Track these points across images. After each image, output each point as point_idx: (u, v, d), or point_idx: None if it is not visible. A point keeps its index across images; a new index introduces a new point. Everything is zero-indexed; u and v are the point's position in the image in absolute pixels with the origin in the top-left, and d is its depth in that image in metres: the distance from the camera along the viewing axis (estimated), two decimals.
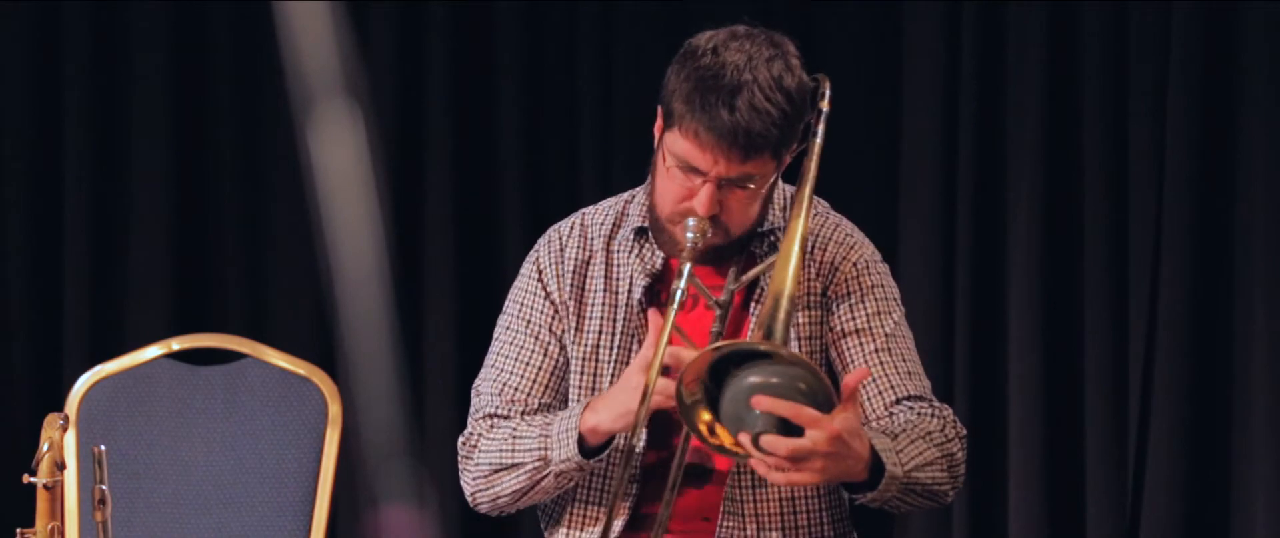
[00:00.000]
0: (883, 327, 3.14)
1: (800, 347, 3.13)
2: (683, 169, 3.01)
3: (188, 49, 4.85)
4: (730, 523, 3.13)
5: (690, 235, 3.00)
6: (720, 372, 2.85)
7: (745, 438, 2.82)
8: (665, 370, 2.97)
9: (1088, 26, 4.48)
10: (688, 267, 3.00)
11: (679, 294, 2.99)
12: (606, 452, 3.09)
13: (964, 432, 3.11)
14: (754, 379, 2.82)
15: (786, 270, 2.94)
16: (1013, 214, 4.53)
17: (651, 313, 3.03)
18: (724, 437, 2.87)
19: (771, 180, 3.07)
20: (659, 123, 3.06)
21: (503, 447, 3.13)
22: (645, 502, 3.14)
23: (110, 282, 4.87)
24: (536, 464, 3.10)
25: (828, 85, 3.08)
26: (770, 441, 2.79)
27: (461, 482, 3.21)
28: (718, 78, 2.96)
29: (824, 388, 2.82)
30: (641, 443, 3.06)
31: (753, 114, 2.95)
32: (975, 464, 4.56)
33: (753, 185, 3.02)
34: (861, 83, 4.63)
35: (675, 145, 3.00)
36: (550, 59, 4.81)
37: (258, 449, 3.68)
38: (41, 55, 4.84)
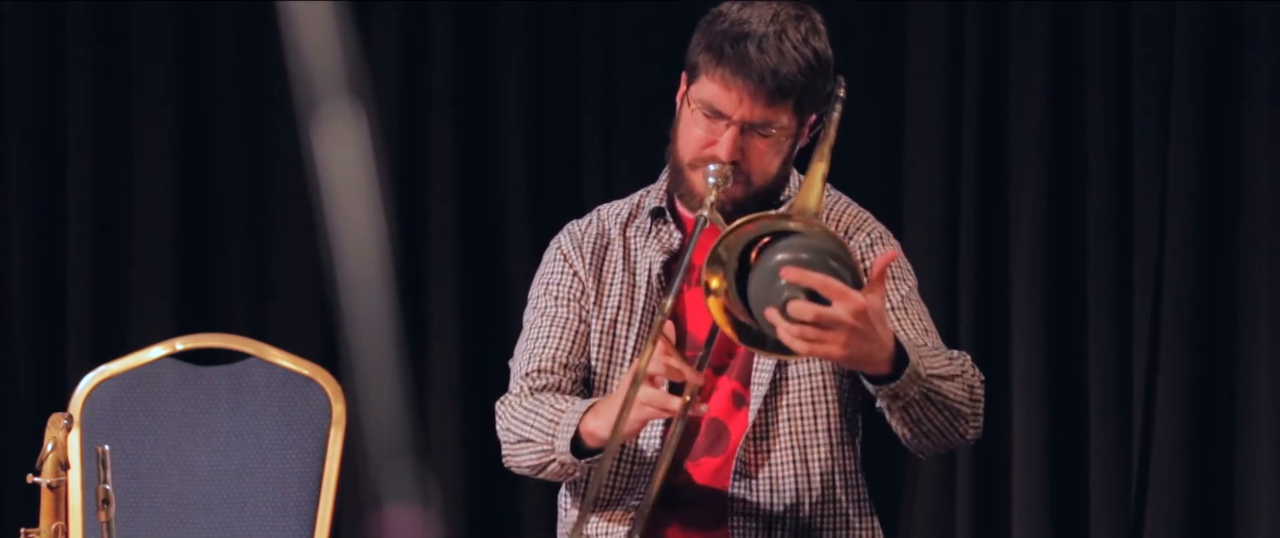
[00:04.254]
0: (898, 290, 3.16)
1: None
2: (708, 114, 3.06)
3: (191, 48, 4.85)
4: (742, 492, 3.15)
5: (712, 180, 3.05)
6: (746, 265, 2.86)
7: (773, 312, 2.81)
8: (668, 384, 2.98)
9: (1091, 25, 4.47)
10: (711, 198, 3.04)
11: (701, 223, 3.01)
12: (601, 455, 3.10)
13: (982, 377, 3.10)
14: (783, 255, 2.82)
15: (810, 192, 2.96)
16: (1016, 215, 4.53)
17: (665, 339, 3.00)
18: (720, 317, 2.86)
19: (792, 138, 3.11)
20: (682, 88, 3.12)
21: (525, 419, 3.16)
22: (669, 472, 3.15)
23: (114, 281, 4.87)
24: (546, 447, 3.13)
25: (842, 79, 3.13)
26: (798, 307, 2.79)
27: (500, 438, 3.24)
28: (746, 26, 3.04)
29: (852, 262, 2.82)
30: (612, 458, 3.04)
31: (780, 57, 3.02)
32: (979, 463, 4.57)
33: (774, 133, 3.06)
34: (864, 83, 4.62)
35: (701, 92, 3.06)
36: (554, 58, 4.81)
37: (261, 449, 3.68)
38: (45, 55, 4.84)
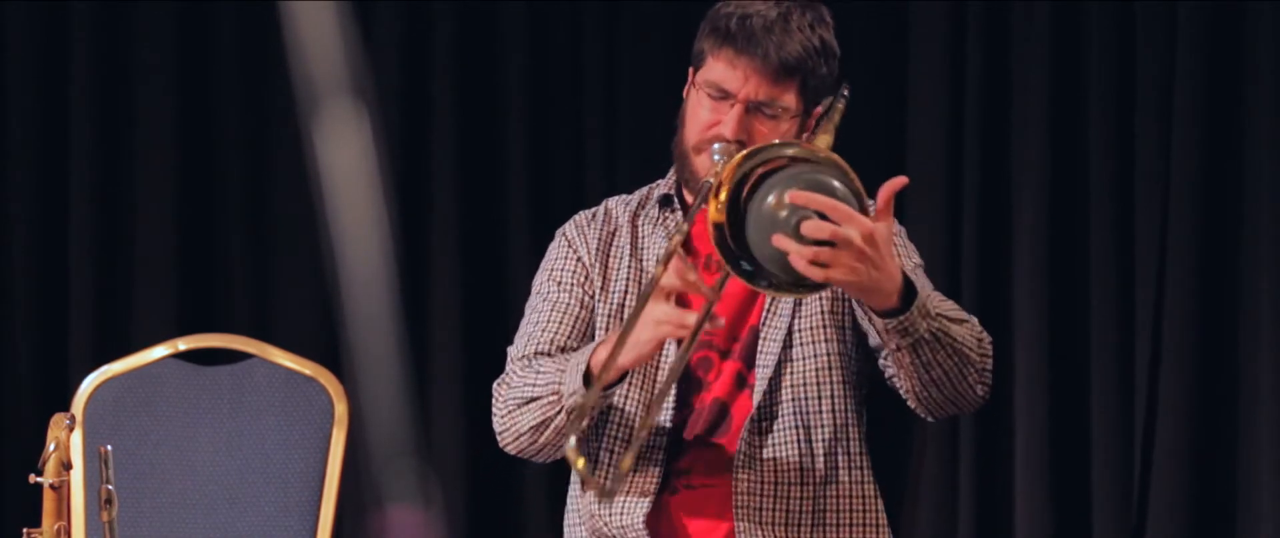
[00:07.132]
0: (903, 266, 3.16)
1: (824, 303, 3.18)
2: (714, 96, 3.12)
3: (194, 48, 4.85)
4: (746, 475, 3.15)
5: (717, 158, 3.07)
6: (745, 198, 2.87)
7: (783, 238, 2.82)
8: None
9: (1093, 25, 4.47)
10: (717, 162, 3.03)
11: (705, 191, 2.98)
12: (614, 389, 3.10)
13: (991, 339, 3.12)
14: (790, 185, 2.84)
15: (820, 138, 3.05)
16: (1018, 215, 4.53)
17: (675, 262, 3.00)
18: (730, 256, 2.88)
19: (796, 122, 3.14)
20: (689, 83, 3.17)
21: (526, 380, 3.16)
22: (674, 457, 3.17)
23: (116, 282, 4.87)
24: (551, 398, 3.13)
25: (848, 84, 3.19)
26: (813, 226, 2.81)
27: (493, 423, 3.23)
28: (751, 10, 3.11)
29: (856, 187, 2.86)
30: (668, 400, 3.04)
31: (785, 36, 3.09)
32: (981, 461, 4.57)
33: (779, 113, 3.11)
34: (866, 83, 4.62)
35: (707, 74, 3.13)
36: (556, 57, 4.81)
37: (264, 449, 3.68)
38: (47, 55, 4.84)
